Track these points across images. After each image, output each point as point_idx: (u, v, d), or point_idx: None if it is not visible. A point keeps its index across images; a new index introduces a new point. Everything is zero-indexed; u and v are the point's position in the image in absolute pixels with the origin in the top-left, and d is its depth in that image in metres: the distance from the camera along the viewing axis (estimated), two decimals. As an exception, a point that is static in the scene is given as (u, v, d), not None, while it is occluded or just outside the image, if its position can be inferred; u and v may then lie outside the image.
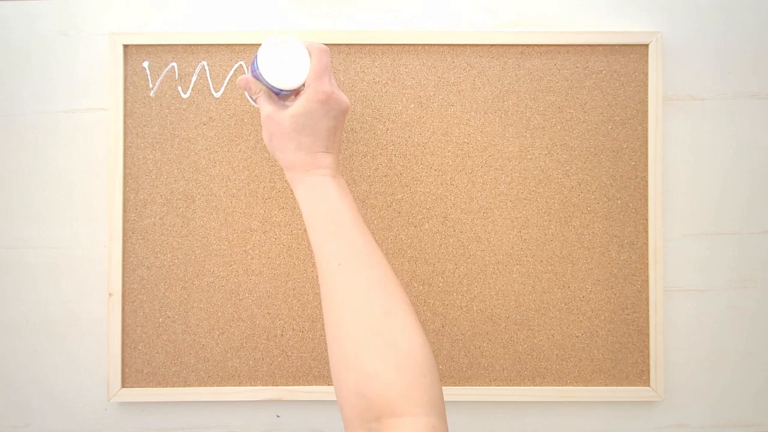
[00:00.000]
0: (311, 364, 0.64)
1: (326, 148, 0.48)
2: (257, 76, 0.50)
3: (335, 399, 0.63)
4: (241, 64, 0.63)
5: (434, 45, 0.63)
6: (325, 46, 0.49)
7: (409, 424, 0.36)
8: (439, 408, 0.39)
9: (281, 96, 0.51)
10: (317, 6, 0.65)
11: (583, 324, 0.63)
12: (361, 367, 0.39)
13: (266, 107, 0.49)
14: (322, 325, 0.63)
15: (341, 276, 0.43)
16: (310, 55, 0.49)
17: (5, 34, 0.65)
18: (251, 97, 0.59)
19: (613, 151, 0.63)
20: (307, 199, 0.47)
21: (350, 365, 0.40)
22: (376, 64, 0.63)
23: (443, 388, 0.63)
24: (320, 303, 0.63)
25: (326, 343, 0.45)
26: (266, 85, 0.50)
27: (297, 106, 0.47)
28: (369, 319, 0.41)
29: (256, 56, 0.49)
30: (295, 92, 0.50)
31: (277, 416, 0.65)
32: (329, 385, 0.63)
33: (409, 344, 0.40)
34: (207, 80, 0.63)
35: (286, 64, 0.48)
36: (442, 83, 0.63)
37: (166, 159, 0.63)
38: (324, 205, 0.46)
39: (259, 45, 0.50)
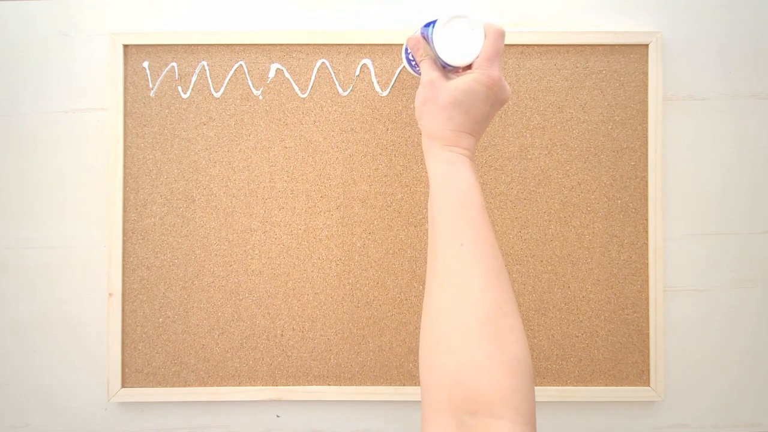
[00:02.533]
0: (311, 364, 0.64)
1: (473, 131, 0.47)
2: (426, 40, 0.49)
3: (335, 399, 0.63)
4: (241, 64, 0.63)
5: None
6: (502, 29, 0.47)
7: (507, 430, 0.35)
8: (534, 420, 0.37)
9: (445, 69, 0.49)
10: (317, 6, 0.65)
11: (583, 324, 0.63)
12: (465, 354, 0.38)
13: (431, 72, 0.48)
14: (322, 324, 0.63)
15: (461, 257, 0.42)
16: (485, 35, 0.47)
17: (5, 33, 0.64)
18: (411, 60, 0.56)
19: (613, 151, 0.63)
20: (441, 174, 0.45)
21: (453, 349, 0.38)
22: (376, 63, 0.63)
23: (443, 388, 0.63)
24: (322, 302, 0.63)
25: (421, 318, 0.43)
26: (434, 53, 0.48)
27: (462, 81, 0.46)
28: (481, 309, 0.39)
29: (433, 24, 0.48)
30: (460, 69, 0.49)
31: (277, 416, 0.65)
32: (329, 385, 0.63)
33: (517, 347, 0.39)
34: (207, 80, 0.63)
35: (459, 40, 0.47)
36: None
37: (166, 159, 0.63)
38: (457, 184, 0.45)
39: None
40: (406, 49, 0.56)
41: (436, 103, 0.47)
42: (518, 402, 0.36)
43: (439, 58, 0.48)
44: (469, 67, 0.47)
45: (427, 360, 0.40)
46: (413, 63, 0.55)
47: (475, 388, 0.36)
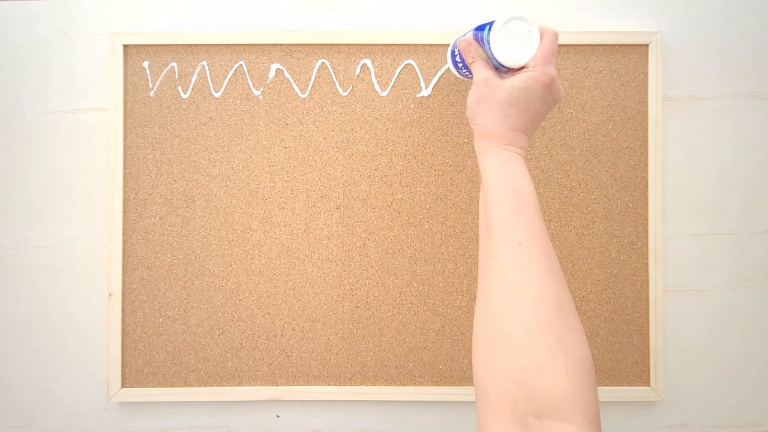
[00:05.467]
0: (311, 364, 0.64)
1: (527, 129, 0.47)
2: (479, 42, 0.50)
3: (335, 399, 0.63)
4: (241, 64, 0.63)
5: (434, 45, 0.63)
6: (557, 31, 0.48)
7: None
8: (599, 425, 0.37)
9: (498, 70, 0.50)
10: (317, 6, 0.65)
11: (583, 324, 0.63)
12: (528, 355, 0.37)
13: (484, 72, 0.48)
14: (322, 324, 0.63)
15: (520, 256, 0.41)
16: (541, 37, 0.48)
17: (5, 33, 0.65)
18: (458, 62, 0.55)
19: (613, 151, 0.63)
20: (497, 172, 0.45)
21: (514, 350, 0.37)
22: (376, 63, 0.63)
23: (442, 388, 0.63)
24: (322, 302, 0.63)
25: (475, 317, 0.42)
26: (488, 54, 0.49)
27: (519, 80, 0.46)
28: (542, 309, 0.38)
29: (488, 25, 0.48)
30: (513, 70, 0.49)
31: (277, 416, 0.65)
32: (329, 385, 0.63)
33: (580, 350, 0.38)
34: (207, 80, 0.63)
35: (516, 41, 0.48)
36: (443, 83, 0.63)
37: (166, 159, 0.63)
38: (513, 182, 0.44)
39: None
40: (453, 51, 0.56)
41: (491, 102, 0.47)
42: (584, 406, 0.35)
43: (494, 58, 0.48)
44: (521, 69, 0.48)
45: (484, 360, 0.39)
46: (460, 65, 0.55)
47: (540, 390, 0.36)
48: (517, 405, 0.36)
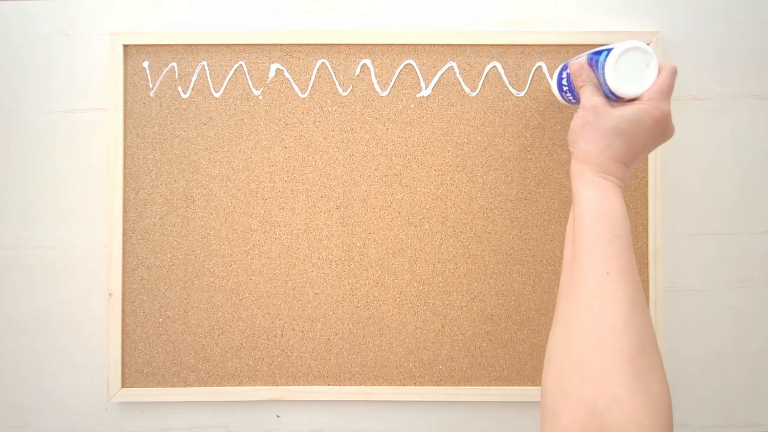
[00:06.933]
0: (311, 364, 0.64)
1: (629, 162, 0.46)
2: (592, 67, 0.49)
3: (335, 399, 0.63)
4: (241, 64, 0.63)
5: (434, 45, 0.63)
6: (676, 67, 0.47)
7: None
8: None
9: (607, 98, 0.49)
10: (317, 6, 0.65)
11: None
12: (606, 386, 0.36)
13: (594, 98, 0.47)
14: (322, 324, 0.63)
15: (606, 286, 0.41)
16: (659, 70, 0.47)
17: (5, 33, 0.65)
18: (564, 84, 0.55)
19: (613, 151, 0.63)
20: (593, 199, 0.44)
21: (592, 378, 0.37)
22: (376, 63, 0.63)
23: (442, 388, 0.63)
24: (322, 302, 0.63)
25: (552, 338, 0.42)
26: (599, 80, 0.48)
27: (629, 111, 0.45)
28: (624, 342, 0.38)
29: (606, 51, 0.47)
30: (624, 100, 0.48)
31: (277, 416, 0.65)
32: (329, 385, 0.63)
33: (659, 389, 0.37)
34: (207, 80, 0.63)
35: (632, 72, 0.47)
36: (443, 83, 0.63)
37: (166, 159, 0.63)
38: (608, 211, 0.44)
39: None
40: (561, 72, 0.55)
41: (597, 129, 0.46)
42: None
43: (606, 85, 0.47)
44: (633, 100, 0.47)
45: (558, 383, 0.39)
46: (566, 88, 0.54)
47: (614, 424, 0.35)
48: None
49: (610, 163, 0.45)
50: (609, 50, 0.47)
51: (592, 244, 0.43)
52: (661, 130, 0.46)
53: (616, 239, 0.42)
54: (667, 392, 0.38)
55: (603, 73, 0.47)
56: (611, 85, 0.47)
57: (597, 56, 0.48)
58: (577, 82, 0.50)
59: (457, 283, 0.63)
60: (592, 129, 0.46)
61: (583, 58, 0.51)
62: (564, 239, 0.49)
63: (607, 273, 0.41)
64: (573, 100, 0.55)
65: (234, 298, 0.63)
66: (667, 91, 0.46)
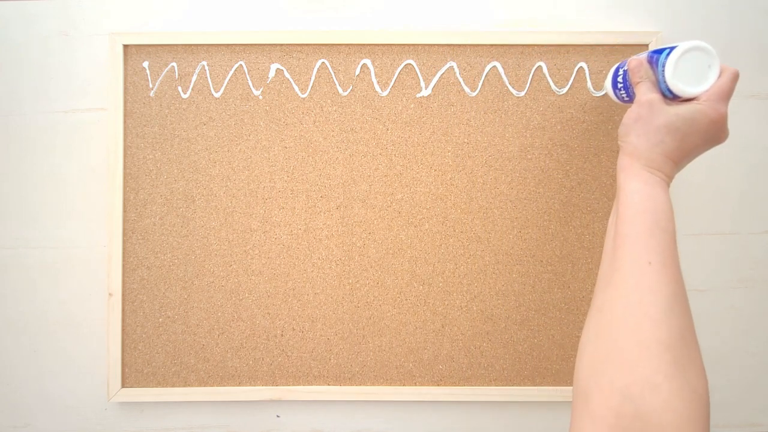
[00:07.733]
0: (311, 364, 0.64)
1: (678, 160, 0.46)
2: (652, 64, 0.49)
3: (335, 399, 0.63)
4: (241, 64, 0.63)
5: (434, 45, 0.63)
6: (738, 72, 0.47)
7: None
8: None
9: (664, 96, 0.49)
10: (317, 6, 0.65)
11: (583, 324, 0.63)
12: (640, 372, 0.36)
13: (650, 94, 0.47)
14: (322, 324, 0.63)
15: (648, 276, 0.40)
16: (720, 73, 0.46)
17: (5, 33, 0.65)
18: (619, 81, 0.55)
19: (613, 151, 0.63)
20: (638, 192, 0.44)
21: (627, 363, 0.37)
22: (376, 63, 0.63)
23: (443, 388, 0.63)
24: (322, 302, 0.63)
25: (587, 325, 0.42)
26: (658, 78, 0.48)
27: (685, 109, 0.45)
28: (664, 332, 0.37)
29: (668, 50, 0.47)
30: (681, 99, 0.48)
31: (277, 416, 0.65)
32: (329, 385, 0.63)
33: (698, 381, 0.37)
34: (207, 80, 0.63)
35: (692, 71, 0.46)
36: (443, 83, 0.63)
37: (166, 159, 0.63)
38: (653, 205, 0.43)
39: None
40: (617, 70, 0.55)
41: (650, 124, 0.46)
42: None
43: (664, 83, 0.47)
44: (690, 100, 0.46)
45: (591, 366, 0.39)
46: (621, 85, 0.54)
47: (649, 410, 0.34)
48: (619, 420, 0.35)
49: (659, 159, 0.45)
50: (671, 48, 0.47)
51: (635, 236, 0.42)
52: (715, 131, 0.45)
53: (660, 232, 0.42)
54: (706, 387, 0.37)
55: (663, 71, 0.47)
56: (669, 82, 0.46)
57: (658, 54, 0.48)
58: (634, 78, 0.50)
59: (457, 283, 0.63)
60: (644, 124, 0.46)
61: (643, 55, 0.51)
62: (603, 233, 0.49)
63: (649, 263, 0.40)
64: (626, 98, 0.54)
65: (234, 298, 0.63)
66: (726, 93, 0.46)
